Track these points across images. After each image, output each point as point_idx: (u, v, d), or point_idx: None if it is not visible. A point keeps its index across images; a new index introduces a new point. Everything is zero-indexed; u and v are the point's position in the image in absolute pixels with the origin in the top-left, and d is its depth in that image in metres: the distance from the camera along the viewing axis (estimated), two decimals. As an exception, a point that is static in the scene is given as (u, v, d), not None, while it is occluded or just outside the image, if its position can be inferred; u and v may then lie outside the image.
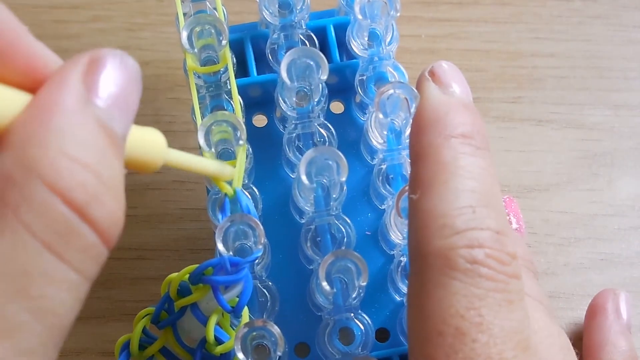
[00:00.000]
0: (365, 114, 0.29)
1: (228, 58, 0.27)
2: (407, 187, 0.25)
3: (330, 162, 0.25)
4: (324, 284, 0.24)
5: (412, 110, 0.25)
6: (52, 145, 0.16)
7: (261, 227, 0.24)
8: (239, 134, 0.25)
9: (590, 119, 0.37)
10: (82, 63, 0.19)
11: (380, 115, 0.25)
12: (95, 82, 0.18)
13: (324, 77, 0.26)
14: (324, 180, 0.26)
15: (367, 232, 0.28)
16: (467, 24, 0.39)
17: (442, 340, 0.20)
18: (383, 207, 0.28)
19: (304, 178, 0.24)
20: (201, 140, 0.25)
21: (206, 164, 0.24)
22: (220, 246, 0.24)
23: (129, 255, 0.33)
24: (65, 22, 0.38)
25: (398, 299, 0.27)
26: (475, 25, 0.39)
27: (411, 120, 0.24)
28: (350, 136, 0.29)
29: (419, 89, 0.24)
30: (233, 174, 0.25)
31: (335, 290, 0.24)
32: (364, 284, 0.24)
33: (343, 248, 0.26)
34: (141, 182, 0.35)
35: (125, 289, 0.33)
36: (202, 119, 0.26)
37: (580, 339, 0.32)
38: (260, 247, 0.24)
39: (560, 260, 0.34)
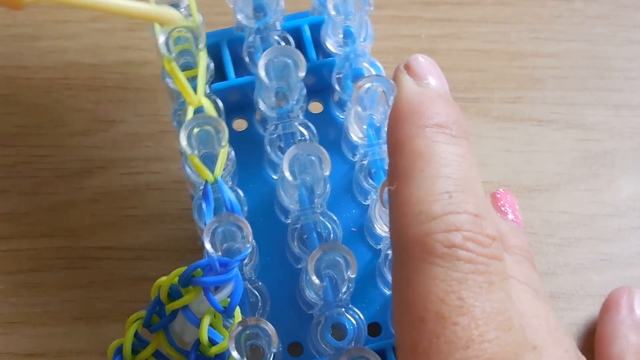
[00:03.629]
0: (344, 111, 0.29)
1: (203, 62, 0.27)
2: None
3: (313, 158, 0.25)
4: (314, 278, 0.24)
5: (390, 103, 0.25)
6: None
7: (248, 225, 0.24)
8: (220, 135, 0.25)
9: (591, 119, 0.37)
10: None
11: (359, 109, 0.26)
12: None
13: (302, 74, 0.26)
14: (307, 178, 0.26)
15: (352, 229, 0.28)
16: (467, 24, 0.39)
17: (424, 326, 0.20)
18: (367, 202, 0.28)
19: (287, 174, 0.25)
20: (184, 142, 0.25)
21: (140, 5, 0.24)
22: (208, 247, 0.24)
23: (129, 255, 0.33)
24: (65, 22, 0.38)
25: (387, 292, 0.27)
26: (476, 25, 0.39)
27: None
28: (330, 135, 0.29)
29: (395, 82, 0.25)
30: (180, 18, 0.25)
31: (324, 284, 0.24)
32: (353, 276, 0.24)
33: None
34: (141, 182, 0.35)
35: (125, 289, 0.33)
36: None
37: (581, 339, 0.32)
38: (249, 245, 0.24)
39: (561, 261, 0.34)
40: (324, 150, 0.25)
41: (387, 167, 0.27)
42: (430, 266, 0.21)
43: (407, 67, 0.25)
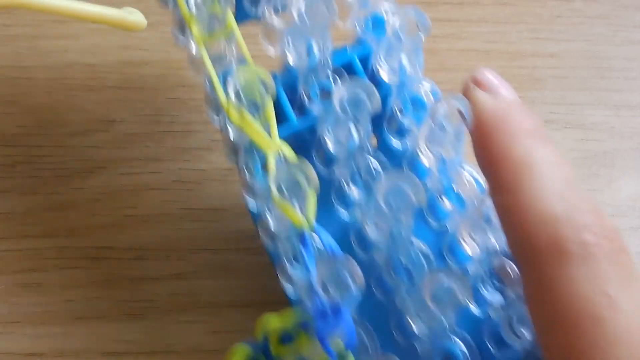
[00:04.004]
0: (403, 137, 0.29)
1: (232, 24, 0.26)
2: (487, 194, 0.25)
3: (405, 188, 0.24)
4: (430, 304, 0.23)
5: (469, 121, 0.25)
6: None
7: (357, 267, 0.23)
8: (309, 179, 0.24)
9: (591, 119, 0.37)
10: None
11: (439, 131, 0.25)
12: None
13: (378, 106, 0.25)
14: (400, 209, 0.25)
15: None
16: (467, 24, 0.39)
17: (581, 330, 0.20)
18: (443, 225, 0.28)
19: (383, 206, 0.24)
20: (274, 191, 0.24)
21: (99, 9, 0.23)
22: (320, 293, 0.23)
23: (129, 255, 0.33)
24: (65, 22, 0.38)
25: (478, 311, 0.27)
26: (475, 25, 0.39)
27: (469, 131, 0.24)
28: (390, 166, 0.28)
29: (470, 99, 0.25)
30: (142, 21, 0.24)
31: (438, 313, 0.24)
32: (469, 302, 0.24)
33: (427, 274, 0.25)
34: (141, 182, 0.35)
35: (125, 289, 0.33)
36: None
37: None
38: (360, 287, 0.23)
39: (561, 261, 0.34)
40: (418, 182, 0.24)
41: (454, 185, 0.27)
42: (570, 269, 0.21)
43: (478, 83, 0.25)
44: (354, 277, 0.23)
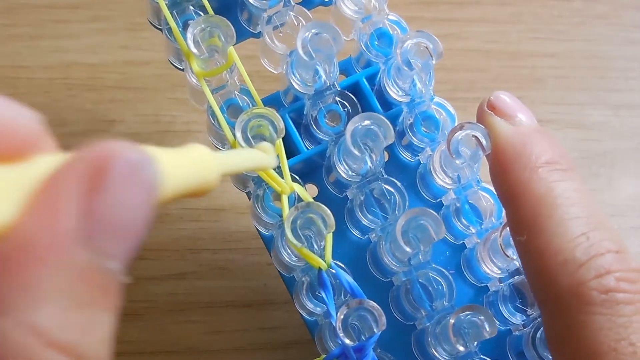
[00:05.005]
0: (416, 155, 0.29)
1: (234, 56, 0.26)
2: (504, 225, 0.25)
3: (424, 223, 0.24)
4: (453, 339, 0.23)
5: (486, 147, 0.24)
6: (23, 320, 0.13)
7: (379, 307, 0.23)
8: (325, 220, 0.24)
9: (590, 119, 0.37)
10: (82, 174, 0.13)
11: (457, 162, 0.25)
12: (95, 210, 0.14)
13: (391, 141, 0.25)
14: (418, 240, 0.25)
15: (450, 272, 0.27)
16: (467, 24, 0.38)
17: None
18: (460, 242, 0.28)
19: (404, 247, 0.24)
20: (290, 236, 0.24)
21: (252, 156, 0.22)
22: (343, 337, 0.23)
23: (129, 255, 0.33)
24: (65, 22, 0.38)
25: (502, 327, 0.27)
26: (475, 25, 0.39)
27: (485, 159, 0.24)
28: (401, 180, 0.28)
29: (485, 125, 0.24)
30: (274, 159, 0.23)
31: (461, 346, 0.24)
32: (492, 335, 0.23)
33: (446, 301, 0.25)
34: (141, 182, 0.35)
35: (125, 289, 0.33)
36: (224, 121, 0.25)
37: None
38: (383, 327, 0.23)
39: (561, 261, 0.34)
40: (437, 216, 0.24)
41: (472, 201, 0.27)
42: (593, 316, 0.20)
43: (493, 108, 0.24)
44: (377, 320, 0.23)
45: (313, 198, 0.28)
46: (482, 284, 0.27)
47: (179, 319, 0.32)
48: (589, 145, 0.36)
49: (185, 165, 0.17)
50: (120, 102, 0.36)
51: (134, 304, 0.32)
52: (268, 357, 0.32)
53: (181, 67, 0.28)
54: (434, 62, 0.26)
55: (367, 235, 0.27)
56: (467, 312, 0.24)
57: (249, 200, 0.27)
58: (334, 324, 0.23)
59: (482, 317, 0.24)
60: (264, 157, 0.22)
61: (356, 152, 0.25)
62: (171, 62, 0.28)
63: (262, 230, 0.27)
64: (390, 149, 0.29)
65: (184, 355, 0.32)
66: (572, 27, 0.39)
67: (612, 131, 0.36)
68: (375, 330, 0.23)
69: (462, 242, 0.28)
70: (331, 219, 0.24)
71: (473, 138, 0.25)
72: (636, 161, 0.36)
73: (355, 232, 0.27)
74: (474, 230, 0.27)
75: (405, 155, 0.29)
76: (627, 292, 0.20)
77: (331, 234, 0.24)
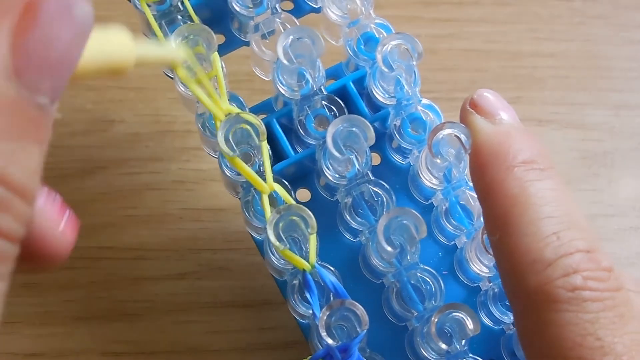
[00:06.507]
0: (406, 157, 0.29)
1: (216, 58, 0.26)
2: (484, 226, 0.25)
3: (406, 222, 0.24)
4: (435, 337, 0.23)
5: (467, 147, 0.24)
6: None
7: (362, 308, 0.23)
8: (307, 221, 0.24)
9: (590, 119, 0.37)
10: (13, 13, 0.14)
11: (438, 161, 0.25)
12: (25, 46, 0.14)
13: (372, 142, 0.25)
14: (402, 241, 0.25)
15: (444, 272, 0.27)
16: (467, 24, 0.38)
17: None
18: (452, 243, 0.28)
19: (385, 246, 0.24)
20: (272, 238, 0.24)
21: (165, 48, 0.24)
22: (325, 337, 0.23)
23: (129, 255, 0.33)
24: (65, 22, 0.38)
25: (494, 327, 0.27)
26: (475, 25, 0.39)
27: (467, 158, 0.24)
28: (394, 182, 0.28)
29: (466, 124, 0.24)
30: (182, 55, 0.25)
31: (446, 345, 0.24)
32: (476, 333, 0.24)
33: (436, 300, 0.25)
34: (141, 182, 0.35)
35: (125, 289, 0.33)
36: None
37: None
38: (366, 327, 0.23)
39: (561, 261, 0.34)
40: (419, 216, 0.24)
41: (463, 202, 0.27)
42: (559, 313, 0.20)
43: (474, 106, 0.24)
44: (360, 320, 0.23)
45: (306, 202, 0.28)
46: (475, 284, 0.27)
47: (179, 319, 0.32)
48: (589, 145, 0.36)
49: (106, 42, 0.18)
50: (120, 102, 0.36)
51: (134, 304, 0.32)
52: (268, 357, 0.32)
53: (172, 76, 0.28)
54: (415, 62, 0.26)
55: (358, 238, 0.27)
56: (450, 310, 0.24)
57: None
58: (318, 326, 0.23)
59: (464, 315, 0.24)
60: (175, 50, 0.24)
61: (337, 154, 0.25)
62: (164, 72, 0.29)
63: (254, 234, 0.28)
64: (382, 152, 0.29)
65: (184, 355, 0.32)
66: (572, 27, 0.39)
67: (612, 131, 0.36)
68: (358, 330, 0.23)
69: (453, 242, 0.28)
70: (312, 220, 0.24)
71: (455, 137, 0.25)
72: (636, 161, 0.36)
73: (347, 235, 0.28)
74: (464, 231, 0.27)
75: (397, 158, 0.29)
76: (594, 290, 0.21)
77: (315, 235, 0.24)
